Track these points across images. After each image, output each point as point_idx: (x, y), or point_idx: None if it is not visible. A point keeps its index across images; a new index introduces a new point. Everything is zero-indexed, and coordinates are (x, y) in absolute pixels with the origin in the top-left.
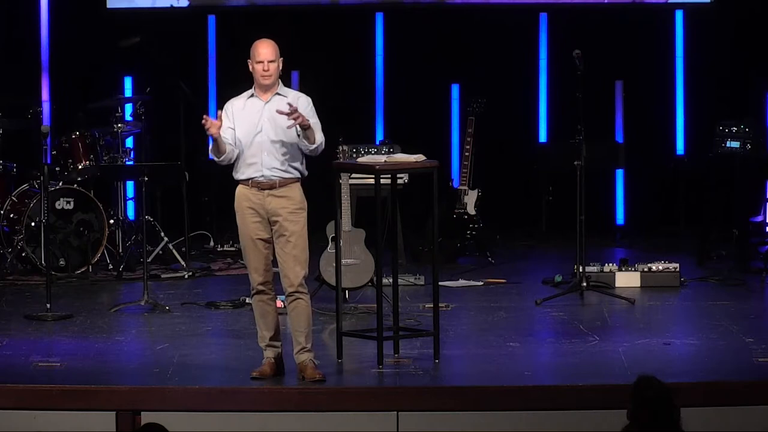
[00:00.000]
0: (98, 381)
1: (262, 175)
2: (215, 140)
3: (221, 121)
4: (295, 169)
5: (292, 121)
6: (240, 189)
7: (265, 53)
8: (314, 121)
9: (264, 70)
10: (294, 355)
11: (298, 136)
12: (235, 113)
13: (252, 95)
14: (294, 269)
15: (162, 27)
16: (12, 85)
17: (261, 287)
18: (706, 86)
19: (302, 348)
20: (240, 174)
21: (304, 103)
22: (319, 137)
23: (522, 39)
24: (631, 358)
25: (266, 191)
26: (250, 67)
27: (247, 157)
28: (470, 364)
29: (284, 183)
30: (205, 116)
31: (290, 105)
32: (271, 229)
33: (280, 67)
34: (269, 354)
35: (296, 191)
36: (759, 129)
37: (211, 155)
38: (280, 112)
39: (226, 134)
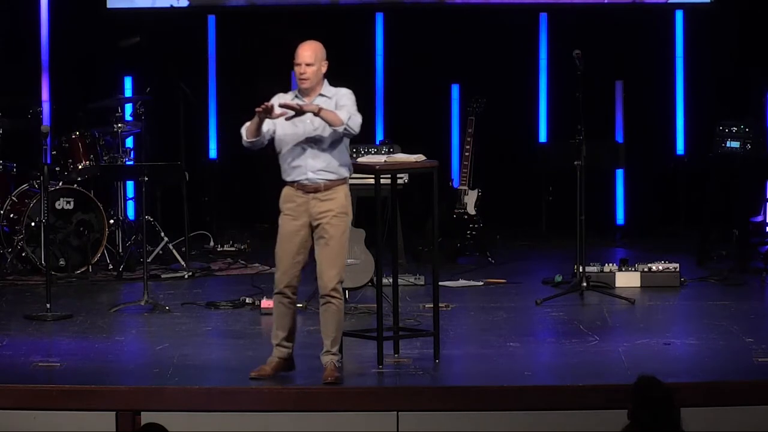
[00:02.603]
0: (98, 381)
1: (307, 179)
2: (259, 121)
3: (273, 110)
4: (342, 168)
5: (291, 113)
6: (286, 190)
7: (303, 56)
8: (342, 103)
9: (300, 73)
10: (320, 355)
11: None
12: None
13: (296, 96)
14: (328, 272)
15: (162, 27)
16: (12, 85)
17: (285, 289)
18: (706, 86)
19: (326, 351)
20: (286, 176)
21: (343, 93)
22: (344, 116)
23: (522, 39)
24: (631, 358)
25: (311, 194)
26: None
27: (292, 160)
28: (470, 364)
29: (329, 186)
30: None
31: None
32: (312, 232)
33: (323, 70)
34: (276, 354)
35: (341, 194)
36: (759, 129)
37: (243, 133)
38: (288, 118)
39: (265, 124)
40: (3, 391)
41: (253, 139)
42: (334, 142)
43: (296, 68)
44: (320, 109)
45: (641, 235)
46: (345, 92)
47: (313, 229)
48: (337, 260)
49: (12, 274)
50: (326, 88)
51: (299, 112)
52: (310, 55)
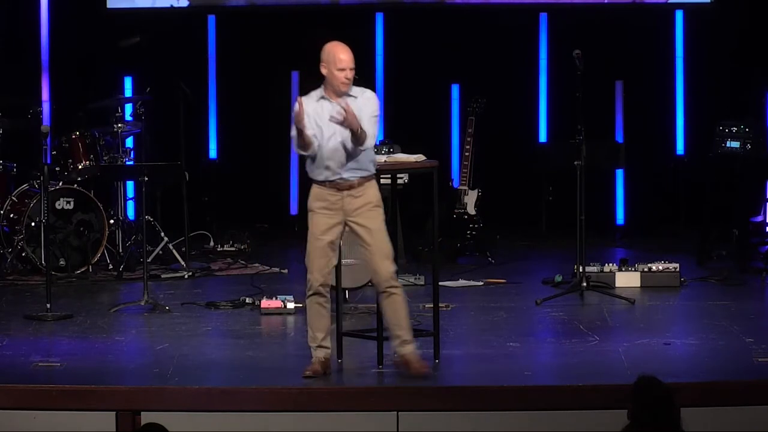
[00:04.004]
0: (98, 381)
1: (341, 177)
2: (301, 133)
3: (301, 110)
4: (371, 164)
5: (341, 119)
6: (315, 189)
7: (347, 60)
8: (370, 115)
9: (346, 78)
10: (395, 348)
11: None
12: (309, 113)
13: (322, 97)
14: (382, 264)
15: (162, 27)
16: (12, 85)
17: (320, 288)
18: (706, 86)
19: (403, 340)
20: (316, 175)
21: (368, 97)
22: (369, 141)
23: (522, 39)
24: (631, 358)
25: (345, 192)
26: (325, 70)
27: (322, 160)
28: (470, 364)
29: (362, 182)
30: (298, 105)
31: (342, 112)
32: (343, 230)
33: None
34: (319, 354)
35: (373, 189)
36: (759, 129)
37: (295, 149)
38: (334, 119)
39: (308, 129)
40: (3, 391)
41: (311, 150)
42: None
43: (340, 73)
44: (360, 129)
45: (641, 235)
46: (370, 96)
47: (346, 227)
48: (386, 250)
49: (12, 274)
50: (352, 88)
51: (342, 123)
52: (352, 58)
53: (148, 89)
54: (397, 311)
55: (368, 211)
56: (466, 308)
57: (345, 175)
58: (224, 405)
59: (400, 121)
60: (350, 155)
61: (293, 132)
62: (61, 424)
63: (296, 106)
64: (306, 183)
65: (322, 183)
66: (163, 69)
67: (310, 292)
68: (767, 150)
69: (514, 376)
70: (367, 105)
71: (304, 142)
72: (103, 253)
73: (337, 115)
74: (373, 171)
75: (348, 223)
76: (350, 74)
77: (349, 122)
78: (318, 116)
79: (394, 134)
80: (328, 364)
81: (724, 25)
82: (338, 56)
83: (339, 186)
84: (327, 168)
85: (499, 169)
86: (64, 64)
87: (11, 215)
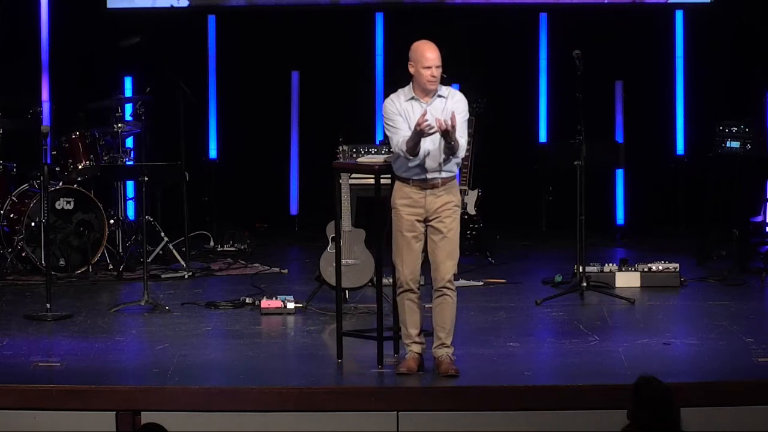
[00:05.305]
0: (98, 381)
1: (425, 178)
2: (419, 139)
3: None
4: (455, 165)
5: (438, 128)
6: (399, 185)
7: (433, 58)
8: (461, 121)
9: (432, 76)
10: (432, 349)
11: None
12: (400, 113)
13: (412, 98)
14: (445, 264)
15: (162, 27)
16: (12, 85)
17: (411, 284)
18: (706, 86)
19: (441, 343)
20: (402, 172)
21: (458, 99)
22: (461, 151)
23: (522, 39)
24: (631, 358)
25: (427, 191)
26: (412, 69)
27: (414, 160)
28: (470, 364)
29: (445, 182)
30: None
31: (444, 122)
32: (426, 226)
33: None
34: (415, 349)
35: (455, 189)
36: (759, 129)
37: (405, 154)
38: (442, 130)
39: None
40: (3, 391)
41: (419, 155)
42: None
43: (426, 72)
44: (455, 140)
45: (641, 235)
46: (460, 98)
47: (426, 224)
48: (454, 252)
49: (12, 274)
50: (441, 88)
51: (445, 133)
52: (438, 56)
53: (148, 89)
54: (443, 313)
55: (447, 209)
56: (466, 308)
57: (429, 176)
58: (224, 405)
59: None
60: (436, 157)
61: (405, 138)
62: (61, 424)
63: (422, 115)
64: (307, 183)
65: (406, 180)
66: (163, 69)
67: (402, 289)
68: (767, 150)
69: (514, 376)
70: (457, 108)
71: (418, 147)
72: (103, 253)
73: (436, 121)
74: (456, 171)
75: (426, 219)
76: (437, 72)
77: (445, 133)
78: (408, 116)
79: None
80: (421, 360)
81: (724, 25)
82: (425, 54)
83: (422, 185)
84: (417, 166)
85: (499, 169)
86: (64, 64)
87: (11, 215)
